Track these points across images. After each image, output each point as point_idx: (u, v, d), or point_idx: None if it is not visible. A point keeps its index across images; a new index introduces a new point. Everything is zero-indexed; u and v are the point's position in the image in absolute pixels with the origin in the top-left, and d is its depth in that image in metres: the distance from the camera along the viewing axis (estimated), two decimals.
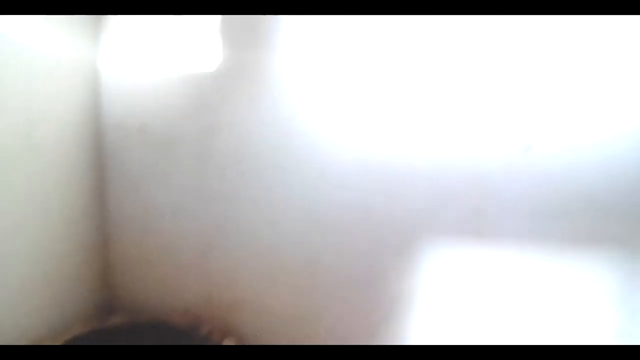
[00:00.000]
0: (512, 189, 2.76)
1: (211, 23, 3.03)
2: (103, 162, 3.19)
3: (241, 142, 3.00)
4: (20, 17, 2.54)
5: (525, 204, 2.77)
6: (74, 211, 3.04)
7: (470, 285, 2.60)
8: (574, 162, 2.79)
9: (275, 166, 2.97)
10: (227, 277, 3.07)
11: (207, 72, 3.06)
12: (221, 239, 2.98)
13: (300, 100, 2.98)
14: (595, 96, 2.71)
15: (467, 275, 2.59)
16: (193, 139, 3.02)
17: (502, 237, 2.74)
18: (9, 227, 2.70)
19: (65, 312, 3.05)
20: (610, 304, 2.50)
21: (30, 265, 2.80)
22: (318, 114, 2.95)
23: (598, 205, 2.72)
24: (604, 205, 2.73)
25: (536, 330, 2.56)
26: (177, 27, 3.04)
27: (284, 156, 2.99)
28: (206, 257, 3.08)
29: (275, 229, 2.90)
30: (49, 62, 2.83)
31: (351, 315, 2.82)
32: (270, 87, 3.01)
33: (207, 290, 3.12)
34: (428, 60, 2.76)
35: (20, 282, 2.78)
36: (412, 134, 2.83)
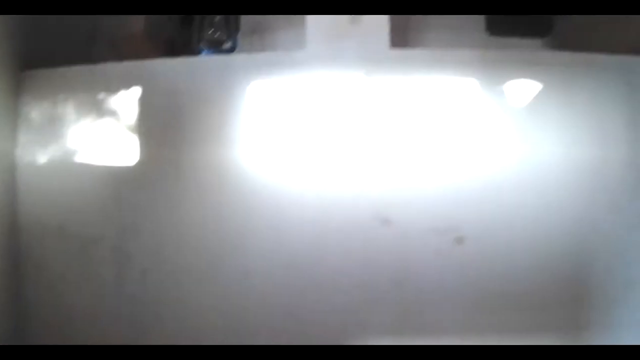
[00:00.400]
0: (443, 284, 2.80)
1: (130, 119, 2.97)
2: (18, 262, 3.05)
3: (162, 242, 2.89)
4: None
5: (456, 297, 2.82)
6: None
7: None
8: (507, 254, 2.79)
9: (198, 268, 2.87)
10: None
11: (127, 169, 3.01)
12: (143, 343, 2.85)
13: (223, 198, 2.88)
14: (523, 190, 2.74)
15: None
16: (113, 239, 2.89)
17: (432, 332, 2.76)
18: None
19: None
20: None
21: None
22: (241, 213, 2.87)
23: (529, 296, 2.81)
24: (537, 295, 2.72)
25: None
26: (97, 123, 2.95)
27: (206, 258, 2.90)
28: None
29: (198, 336, 2.78)
30: None
31: None
32: (191, 184, 2.94)
33: None
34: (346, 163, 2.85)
35: None
36: (337, 234, 2.77)
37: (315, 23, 2.89)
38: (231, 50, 3.25)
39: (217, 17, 3.23)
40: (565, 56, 2.92)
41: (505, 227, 2.73)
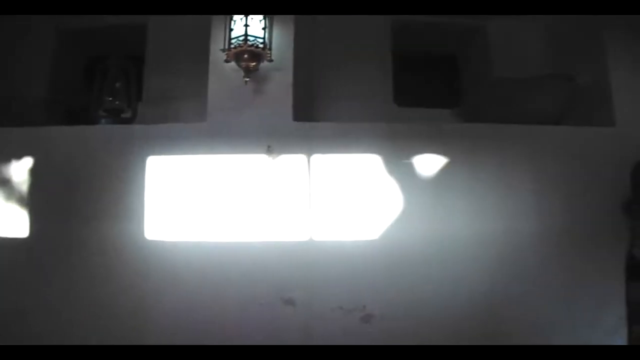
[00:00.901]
0: None
1: (23, 189, 2.83)
2: None
3: (54, 324, 2.79)
4: None
5: None
6: None
7: None
8: (415, 331, 2.76)
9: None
10: None
11: (16, 243, 2.87)
12: None
13: (119, 276, 2.81)
14: (430, 265, 2.72)
15: None
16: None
17: None
18: None
19: None
20: None
21: None
22: (138, 292, 2.82)
23: None
24: None
25: None
26: None
27: (100, 338, 2.77)
28: None
29: None
30: None
31: None
32: (86, 260, 2.85)
33: None
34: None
35: None
36: (240, 312, 2.80)
37: (217, 94, 2.83)
38: (131, 119, 3.15)
39: (118, 84, 3.13)
40: (472, 128, 2.93)
41: (413, 303, 2.71)
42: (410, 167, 2.79)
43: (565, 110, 3.13)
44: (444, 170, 2.80)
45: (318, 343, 2.70)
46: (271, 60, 2.81)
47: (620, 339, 3.09)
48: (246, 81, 2.78)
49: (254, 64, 2.79)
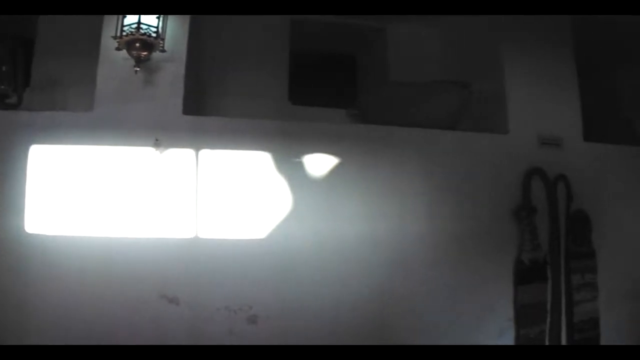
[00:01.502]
0: None
1: None
2: None
3: None
4: None
5: None
6: None
7: None
8: (303, 332, 2.81)
9: None
10: None
11: None
12: None
13: None
14: (320, 266, 2.73)
15: None
16: None
17: None
18: None
19: None
20: None
21: None
22: (20, 286, 2.73)
23: None
24: None
25: None
26: None
27: None
28: None
29: None
30: None
31: None
32: None
33: None
34: None
35: None
36: (123, 310, 2.75)
37: (106, 83, 2.77)
38: (16, 105, 3.03)
39: (4, 68, 3.01)
40: (366, 129, 2.97)
41: (299, 304, 2.72)
42: (301, 166, 2.80)
43: (460, 116, 3.23)
44: (336, 170, 2.83)
45: (203, 343, 2.66)
46: (164, 51, 2.77)
47: (508, 341, 3.19)
48: (136, 71, 2.73)
49: (145, 53, 2.74)
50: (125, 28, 2.71)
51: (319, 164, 2.80)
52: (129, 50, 2.73)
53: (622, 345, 3.36)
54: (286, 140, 2.80)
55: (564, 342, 3.41)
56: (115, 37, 2.72)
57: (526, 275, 3.24)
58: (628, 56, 4.84)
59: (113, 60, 2.78)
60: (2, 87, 3.06)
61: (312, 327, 2.74)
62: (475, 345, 2.89)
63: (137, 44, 2.72)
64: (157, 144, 2.68)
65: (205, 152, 2.72)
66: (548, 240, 3.38)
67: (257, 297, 2.70)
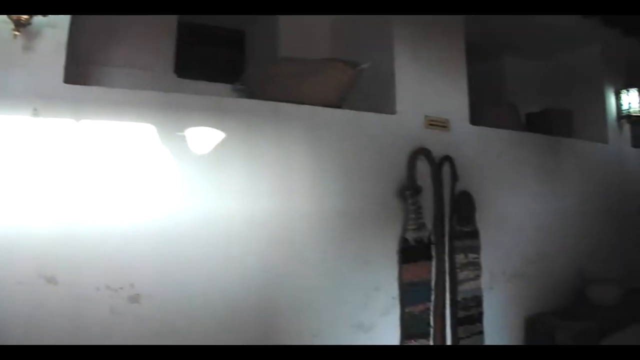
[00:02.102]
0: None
1: None
2: None
3: None
4: None
5: None
6: None
7: None
8: (187, 310, 2.81)
9: None
10: None
11: None
12: None
13: None
14: (203, 243, 2.74)
15: None
16: None
17: None
18: None
19: None
20: None
21: None
22: None
23: None
24: None
25: None
26: None
27: None
28: None
29: None
30: None
31: None
32: None
33: None
34: None
35: None
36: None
37: None
38: None
39: None
40: (252, 104, 2.99)
41: (183, 282, 2.71)
42: (185, 141, 2.78)
43: (347, 95, 3.31)
44: (221, 145, 2.83)
45: (84, 324, 2.62)
46: (46, 15, 2.67)
47: (393, 319, 3.33)
48: (15, 35, 2.62)
49: (26, 17, 2.63)
50: None
51: (204, 138, 2.79)
52: None
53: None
54: (170, 113, 2.78)
55: (448, 319, 3.56)
56: None
57: (411, 254, 3.38)
58: (514, 45, 5.14)
59: None
60: None
61: (196, 305, 2.74)
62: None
63: None
64: (36, 113, 2.60)
65: (86, 123, 2.65)
66: (433, 220, 3.53)
67: (139, 275, 2.67)
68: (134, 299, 2.66)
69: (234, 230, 2.84)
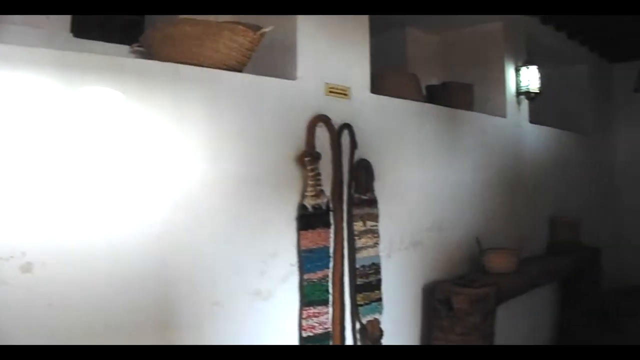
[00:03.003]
0: (11, 315, 2.59)
1: None
2: None
3: None
4: None
5: (26, 329, 2.62)
6: None
7: None
8: (83, 279, 2.78)
9: None
10: None
11: None
12: None
13: None
14: (96, 210, 2.71)
15: None
16: None
17: None
18: None
19: None
20: None
21: None
22: None
23: (112, 323, 2.83)
24: (121, 321, 2.85)
25: None
26: None
27: None
28: None
29: None
30: None
31: None
32: None
33: None
34: None
35: None
36: None
37: None
38: None
39: None
40: (150, 65, 3.00)
41: (79, 249, 2.68)
42: (81, 101, 2.73)
43: (248, 59, 3.34)
44: (118, 107, 2.80)
45: None
46: None
47: (292, 286, 3.43)
48: None
49: None
50: None
51: (100, 99, 2.75)
52: None
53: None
54: (65, 72, 2.71)
55: (347, 286, 3.70)
56: None
57: (309, 221, 3.48)
58: (417, 18, 5.33)
59: None
60: None
61: (91, 272, 2.73)
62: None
63: None
64: None
65: None
66: (331, 187, 3.64)
67: (30, 243, 2.60)
68: (26, 268, 2.59)
69: (131, 195, 2.82)
